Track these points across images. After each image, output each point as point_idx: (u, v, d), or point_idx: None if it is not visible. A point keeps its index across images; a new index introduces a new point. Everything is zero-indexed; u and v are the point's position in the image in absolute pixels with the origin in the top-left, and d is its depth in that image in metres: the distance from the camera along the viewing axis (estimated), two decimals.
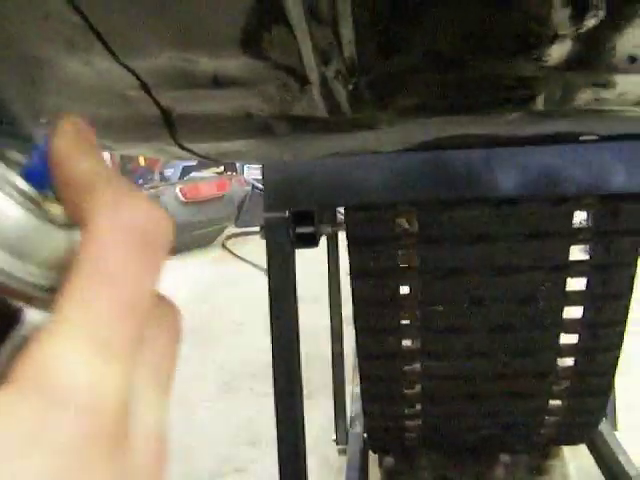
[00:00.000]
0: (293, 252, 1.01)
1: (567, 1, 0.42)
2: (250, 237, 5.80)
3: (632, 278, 1.24)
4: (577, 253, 1.30)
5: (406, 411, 1.54)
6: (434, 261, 1.25)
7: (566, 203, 1.15)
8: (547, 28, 0.45)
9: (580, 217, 1.25)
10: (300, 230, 0.99)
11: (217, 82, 0.53)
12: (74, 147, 0.23)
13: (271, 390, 1.04)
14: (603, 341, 1.34)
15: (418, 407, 1.53)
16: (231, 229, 6.69)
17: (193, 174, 7.35)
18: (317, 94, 0.59)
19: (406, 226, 1.25)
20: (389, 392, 1.49)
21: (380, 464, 1.90)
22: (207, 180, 7.08)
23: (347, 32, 0.46)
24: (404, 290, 1.30)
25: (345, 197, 0.96)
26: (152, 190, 6.48)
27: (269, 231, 1.01)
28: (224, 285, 4.24)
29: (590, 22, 0.44)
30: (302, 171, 0.96)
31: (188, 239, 5.96)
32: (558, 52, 0.49)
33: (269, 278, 1.01)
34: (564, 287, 1.27)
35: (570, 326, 1.33)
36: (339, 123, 0.69)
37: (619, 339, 1.34)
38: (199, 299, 3.81)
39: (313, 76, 0.55)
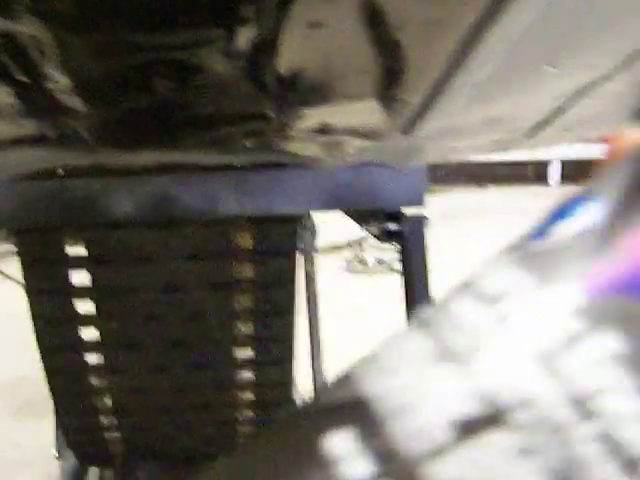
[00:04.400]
0: None
1: None
2: None
3: (292, 295, 1.34)
4: None
5: (103, 424, 1.57)
6: (105, 280, 1.29)
7: (220, 225, 1.22)
8: None
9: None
10: None
11: None
12: None
13: None
14: (275, 355, 1.42)
15: (114, 420, 1.57)
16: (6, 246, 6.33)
17: None
18: None
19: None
20: (81, 406, 1.51)
21: (101, 478, 1.91)
22: None
23: None
24: (85, 308, 1.34)
25: None
26: None
27: None
28: None
29: None
30: None
31: None
32: None
33: None
34: (232, 304, 1.34)
35: (243, 341, 1.41)
36: None
37: (289, 352, 1.43)
38: None
39: None
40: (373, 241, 4.78)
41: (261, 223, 1.22)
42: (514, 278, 0.20)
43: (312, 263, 1.75)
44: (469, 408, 0.18)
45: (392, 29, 0.48)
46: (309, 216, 1.78)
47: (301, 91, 0.61)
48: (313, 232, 3.58)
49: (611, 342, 0.18)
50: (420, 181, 1.04)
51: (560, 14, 0.49)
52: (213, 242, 1.25)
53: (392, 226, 1.05)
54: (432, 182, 5.46)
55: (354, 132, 0.74)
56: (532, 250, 0.21)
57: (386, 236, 1.06)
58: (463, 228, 4.73)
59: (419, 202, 1.04)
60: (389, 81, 0.59)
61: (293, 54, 0.53)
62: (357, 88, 0.62)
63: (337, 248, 3.88)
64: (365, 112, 0.68)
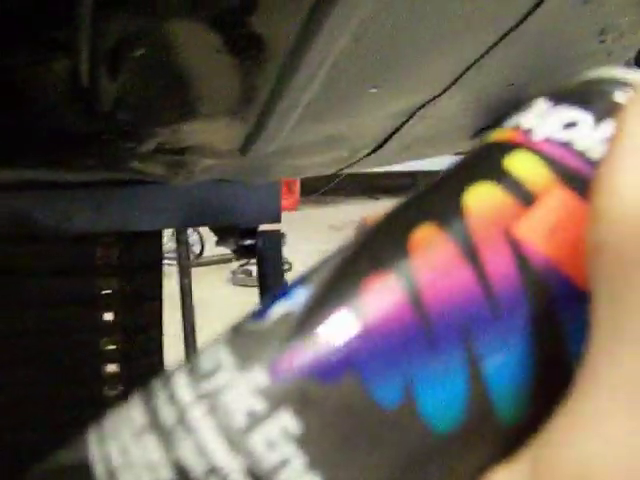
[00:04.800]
0: None
1: None
2: None
3: (159, 310, 1.34)
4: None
5: None
6: None
7: (85, 240, 1.22)
8: None
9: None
10: None
11: None
12: None
13: None
14: (142, 370, 1.42)
15: None
16: None
17: None
18: None
19: None
20: None
21: None
22: None
23: None
24: None
25: None
26: None
27: None
28: None
29: None
30: None
31: None
32: None
33: None
34: (96, 319, 1.34)
35: (110, 356, 1.40)
36: None
37: (159, 366, 1.43)
38: None
39: None
40: None
41: (125, 238, 1.22)
42: (221, 356, 0.23)
43: (188, 276, 1.76)
44: (165, 477, 0.20)
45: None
46: (184, 229, 1.79)
47: (133, 113, 0.63)
48: (196, 244, 3.56)
49: (287, 422, 0.21)
50: (275, 197, 1.06)
51: (375, 39, 0.52)
52: (78, 257, 1.25)
53: (248, 242, 1.08)
54: (322, 194, 5.50)
55: (195, 151, 0.76)
56: (243, 330, 0.24)
57: (243, 252, 1.08)
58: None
59: (275, 218, 1.07)
60: (231, 102, 0.61)
61: (121, 79, 0.55)
62: (202, 108, 0.63)
63: (225, 260, 3.88)
64: (205, 132, 0.70)
